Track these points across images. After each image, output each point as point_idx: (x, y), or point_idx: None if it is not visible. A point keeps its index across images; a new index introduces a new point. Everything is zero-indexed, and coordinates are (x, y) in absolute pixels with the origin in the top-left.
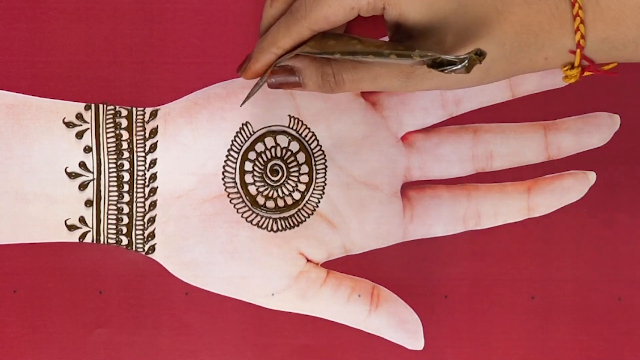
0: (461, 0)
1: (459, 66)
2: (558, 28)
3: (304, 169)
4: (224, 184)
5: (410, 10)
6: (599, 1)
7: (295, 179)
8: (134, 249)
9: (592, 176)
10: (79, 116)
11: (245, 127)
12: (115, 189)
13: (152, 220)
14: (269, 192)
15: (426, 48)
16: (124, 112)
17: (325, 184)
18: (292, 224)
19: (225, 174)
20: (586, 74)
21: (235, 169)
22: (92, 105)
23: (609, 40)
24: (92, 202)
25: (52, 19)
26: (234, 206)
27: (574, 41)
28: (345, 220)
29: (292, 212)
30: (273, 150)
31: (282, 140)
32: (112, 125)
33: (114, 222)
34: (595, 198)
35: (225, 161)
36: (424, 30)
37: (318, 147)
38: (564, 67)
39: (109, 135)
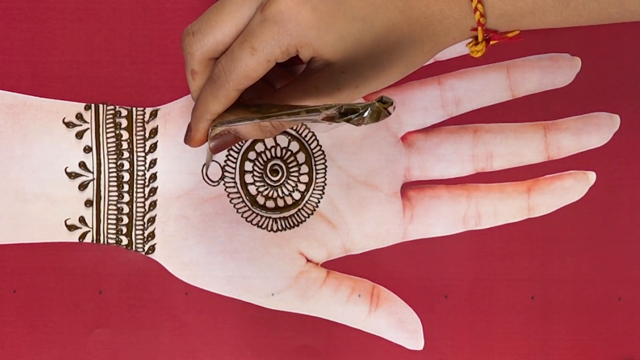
0: (364, 16)
1: (365, 115)
2: (458, 11)
3: (304, 169)
4: (224, 184)
5: (322, 46)
6: None
7: (295, 179)
8: (133, 249)
9: (592, 176)
10: (79, 116)
11: None
12: (115, 189)
13: (152, 220)
14: (269, 192)
15: (351, 72)
16: (124, 112)
17: (325, 184)
18: (292, 224)
19: (225, 173)
20: (492, 43)
21: (235, 168)
22: (92, 105)
23: (507, 15)
24: (92, 202)
25: (52, 19)
26: (234, 206)
27: (474, 20)
28: (345, 220)
29: (292, 212)
30: (273, 150)
31: (282, 140)
32: (112, 125)
33: (114, 222)
34: (595, 198)
35: (225, 161)
36: (342, 59)
37: (318, 147)
38: (469, 44)
39: (109, 135)
